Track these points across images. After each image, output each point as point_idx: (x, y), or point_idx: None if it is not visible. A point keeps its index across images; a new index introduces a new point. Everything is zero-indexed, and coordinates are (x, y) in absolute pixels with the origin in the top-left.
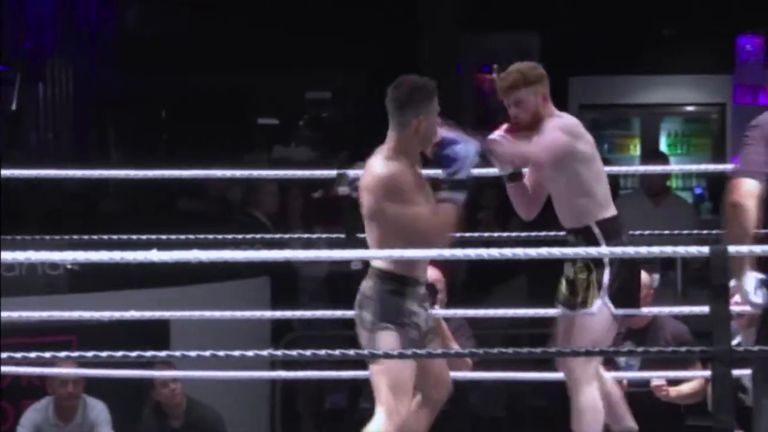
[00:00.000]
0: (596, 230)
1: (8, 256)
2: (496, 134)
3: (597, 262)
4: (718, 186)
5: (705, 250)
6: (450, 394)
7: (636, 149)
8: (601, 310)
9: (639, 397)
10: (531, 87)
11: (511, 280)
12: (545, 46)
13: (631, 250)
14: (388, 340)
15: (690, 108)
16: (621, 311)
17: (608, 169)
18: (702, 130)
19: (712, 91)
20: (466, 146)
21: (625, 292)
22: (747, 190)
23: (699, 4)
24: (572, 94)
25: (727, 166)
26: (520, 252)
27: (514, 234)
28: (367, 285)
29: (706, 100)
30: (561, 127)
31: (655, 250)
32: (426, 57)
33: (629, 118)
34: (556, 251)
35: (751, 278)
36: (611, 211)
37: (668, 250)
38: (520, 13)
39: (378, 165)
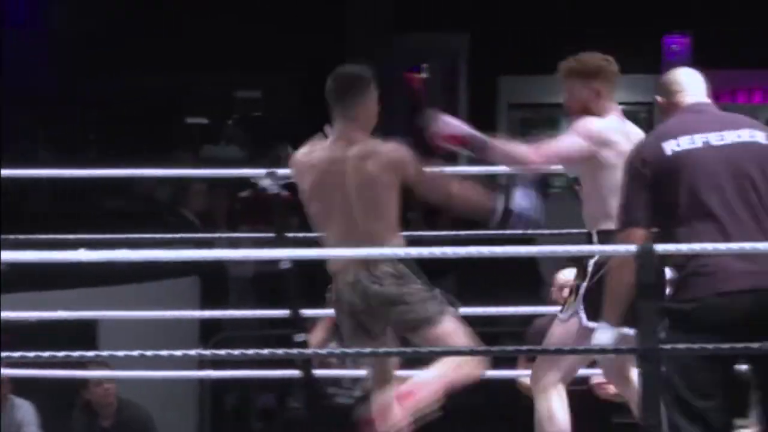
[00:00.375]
0: (595, 239)
1: None
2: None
3: (583, 271)
4: None
5: (632, 248)
6: None
7: None
8: (568, 319)
9: (571, 395)
10: (584, 80)
11: (440, 280)
12: (473, 46)
13: (559, 249)
14: (452, 321)
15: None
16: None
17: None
18: None
19: (640, 91)
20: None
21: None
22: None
23: (626, 3)
24: (501, 93)
25: None
26: (449, 251)
27: (442, 233)
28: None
29: (635, 99)
30: (584, 132)
31: (585, 248)
32: (355, 58)
33: (557, 118)
34: (485, 250)
35: (606, 333)
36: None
37: (596, 248)
38: (447, 13)
39: (375, 145)
